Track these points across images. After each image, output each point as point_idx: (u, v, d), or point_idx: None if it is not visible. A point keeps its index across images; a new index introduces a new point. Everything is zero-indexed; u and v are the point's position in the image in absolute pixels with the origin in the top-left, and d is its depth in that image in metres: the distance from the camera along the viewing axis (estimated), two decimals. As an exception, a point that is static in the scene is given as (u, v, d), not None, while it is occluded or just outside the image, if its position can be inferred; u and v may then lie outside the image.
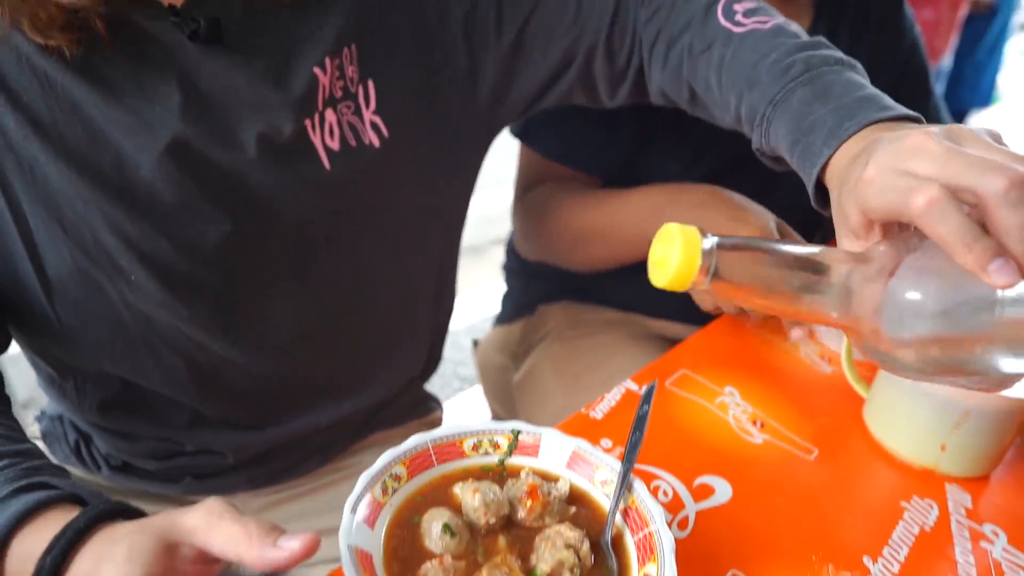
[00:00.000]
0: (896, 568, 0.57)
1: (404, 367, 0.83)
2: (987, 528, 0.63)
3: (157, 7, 0.55)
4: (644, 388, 0.59)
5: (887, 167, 0.44)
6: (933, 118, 1.03)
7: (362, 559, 0.45)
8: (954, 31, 2.85)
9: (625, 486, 0.52)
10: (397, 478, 0.51)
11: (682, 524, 0.58)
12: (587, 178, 0.97)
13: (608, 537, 0.50)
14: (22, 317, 0.61)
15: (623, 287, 1.01)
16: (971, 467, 0.67)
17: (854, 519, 0.62)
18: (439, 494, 0.52)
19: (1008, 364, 0.44)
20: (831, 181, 0.53)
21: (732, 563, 0.56)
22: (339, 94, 0.64)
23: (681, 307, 0.88)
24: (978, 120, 3.77)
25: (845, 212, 0.48)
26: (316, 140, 0.63)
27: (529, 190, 1.00)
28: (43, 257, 0.58)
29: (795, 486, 0.64)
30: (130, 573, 0.39)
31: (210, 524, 0.42)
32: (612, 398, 0.70)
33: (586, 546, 0.49)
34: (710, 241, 0.44)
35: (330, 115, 0.63)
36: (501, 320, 1.15)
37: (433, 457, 0.53)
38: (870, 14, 0.98)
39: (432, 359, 0.89)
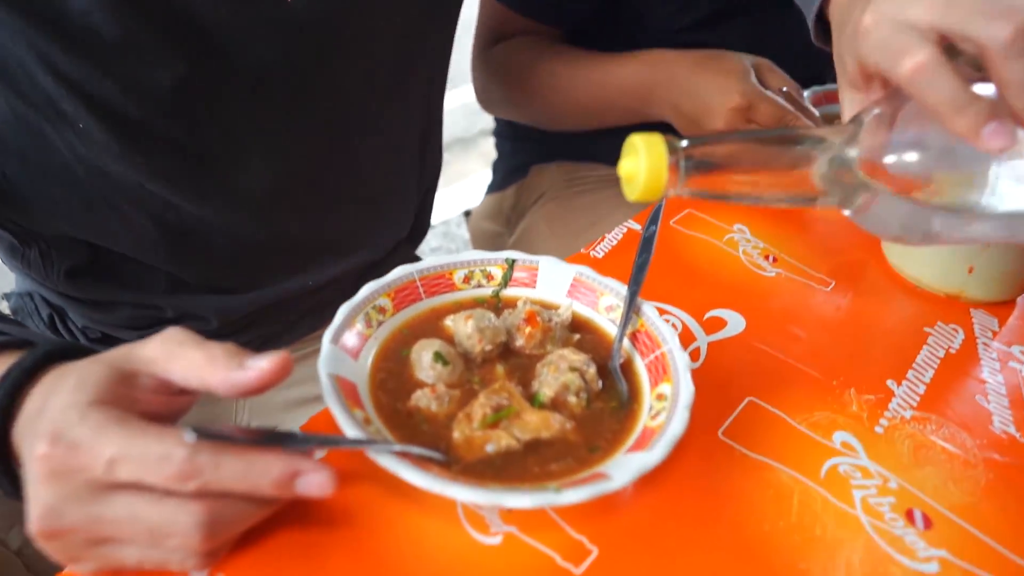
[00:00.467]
0: (922, 390, 0.54)
1: (391, 228, 0.78)
2: (1015, 349, 0.59)
3: None
4: (652, 212, 0.54)
5: (885, 15, 0.41)
6: None
7: (345, 388, 0.41)
8: None
9: (633, 309, 0.48)
10: (381, 310, 0.47)
11: (694, 356, 0.54)
12: (548, 30, 0.89)
13: (617, 362, 0.46)
14: None
15: (619, 142, 0.95)
16: (998, 290, 0.63)
17: (875, 346, 0.58)
18: (428, 327, 0.48)
19: (1010, 225, 0.42)
20: (833, 16, 0.48)
21: (749, 391, 0.52)
22: None
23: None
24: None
25: (843, 61, 0.44)
26: None
27: (489, 46, 0.92)
28: None
29: (812, 316, 0.60)
30: (77, 401, 0.35)
31: (169, 352, 0.38)
32: (614, 237, 0.65)
33: (592, 369, 0.44)
34: (676, 147, 0.41)
35: None
36: (492, 188, 1.09)
37: (420, 289, 0.49)
38: None
39: (420, 222, 0.84)
